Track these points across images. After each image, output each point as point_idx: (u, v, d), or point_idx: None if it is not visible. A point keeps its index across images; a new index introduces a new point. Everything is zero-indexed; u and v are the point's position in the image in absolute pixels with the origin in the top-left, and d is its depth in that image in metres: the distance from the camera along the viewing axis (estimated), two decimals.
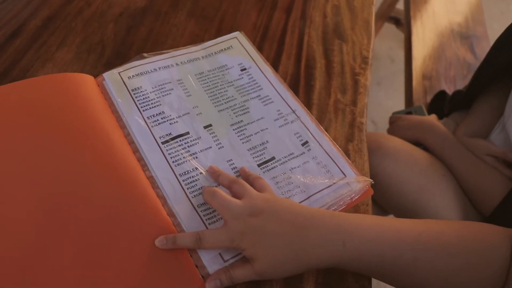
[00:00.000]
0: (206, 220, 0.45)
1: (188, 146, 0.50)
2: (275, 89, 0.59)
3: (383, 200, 0.82)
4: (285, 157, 0.52)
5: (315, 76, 0.65)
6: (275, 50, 0.68)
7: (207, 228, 0.45)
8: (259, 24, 0.72)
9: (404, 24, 1.40)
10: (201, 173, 0.48)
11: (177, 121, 0.52)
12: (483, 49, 1.21)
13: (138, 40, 0.64)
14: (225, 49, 0.63)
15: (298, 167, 0.51)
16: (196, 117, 0.53)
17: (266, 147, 0.52)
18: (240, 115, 0.55)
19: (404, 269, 0.42)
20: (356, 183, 0.51)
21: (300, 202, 0.48)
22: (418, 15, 1.30)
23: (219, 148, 0.51)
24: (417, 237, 0.42)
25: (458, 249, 0.42)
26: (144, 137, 0.50)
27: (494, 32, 1.03)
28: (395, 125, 0.93)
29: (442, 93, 1.01)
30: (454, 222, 0.47)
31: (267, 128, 0.54)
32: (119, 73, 0.55)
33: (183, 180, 0.47)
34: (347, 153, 0.56)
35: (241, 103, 0.57)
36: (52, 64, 0.58)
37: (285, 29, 0.72)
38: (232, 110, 0.56)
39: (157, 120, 0.52)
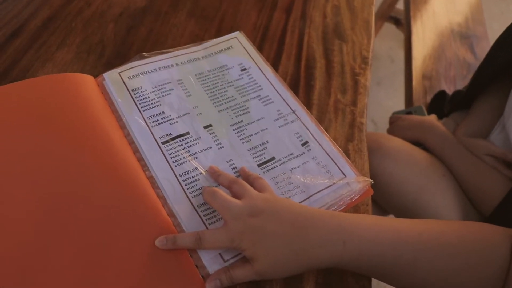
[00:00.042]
0: (206, 220, 0.45)
1: (188, 146, 0.50)
2: (275, 89, 0.59)
3: (383, 200, 0.82)
4: (285, 157, 0.52)
5: (315, 76, 0.65)
6: (275, 50, 0.68)
7: (207, 228, 0.45)
8: (259, 24, 0.72)
9: (404, 24, 1.40)
10: (201, 173, 0.48)
11: (177, 121, 0.52)
12: (483, 49, 1.21)
13: (138, 40, 0.64)
14: (225, 49, 0.63)
15: (298, 167, 0.51)
16: (196, 117, 0.53)
17: (266, 147, 0.53)
18: (240, 115, 0.55)
19: (404, 269, 0.42)
20: (356, 183, 0.51)
21: (300, 202, 0.48)
22: (418, 15, 1.30)
23: (219, 148, 0.51)
24: (417, 237, 0.42)
25: (458, 249, 0.42)
26: (144, 137, 0.50)
27: (494, 32, 1.03)
28: (395, 125, 0.93)
29: (442, 93, 1.01)
30: (454, 222, 0.47)
31: (267, 128, 0.54)
32: (119, 73, 0.55)
33: (183, 180, 0.47)
34: (347, 153, 0.56)
35: (241, 103, 0.57)
36: (52, 64, 0.58)
37: (285, 29, 0.72)
38: (232, 110, 0.56)
39: (157, 120, 0.52)
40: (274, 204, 0.43)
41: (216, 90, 0.57)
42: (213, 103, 0.56)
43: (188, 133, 0.52)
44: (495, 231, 0.45)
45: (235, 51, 0.63)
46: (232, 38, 0.64)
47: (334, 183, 0.50)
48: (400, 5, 1.63)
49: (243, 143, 0.53)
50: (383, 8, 1.77)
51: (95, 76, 0.55)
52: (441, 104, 0.98)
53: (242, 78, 0.60)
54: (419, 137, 0.85)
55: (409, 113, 0.98)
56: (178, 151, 0.50)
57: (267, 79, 0.60)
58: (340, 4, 0.80)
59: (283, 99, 0.58)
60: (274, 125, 0.55)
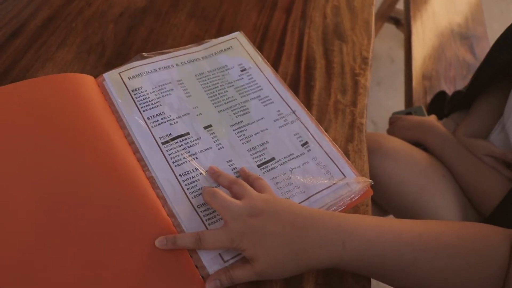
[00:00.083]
0: (206, 220, 0.45)
1: (188, 147, 0.51)
2: (275, 90, 0.59)
3: (383, 200, 0.83)
4: (285, 157, 0.52)
5: (315, 77, 0.65)
6: (275, 50, 0.68)
7: (207, 228, 0.45)
8: (259, 25, 0.72)
9: (404, 24, 1.40)
10: (201, 173, 0.48)
11: (177, 122, 0.52)
12: (483, 49, 1.21)
13: (139, 40, 0.64)
14: (225, 49, 0.63)
15: (298, 167, 0.51)
16: (196, 118, 0.54)
17: (266, 148, 0.53)
18: (240, 115, 0.55)
19: (404, 269, 0.42)
20: (355, 183, 0.51)
21: (300, 203, 0.48)
22: (418, 15, 1.30)
23: (219, 149, 0.51)
24: (417, 238, 0.42)
25: (458, 250, 0.42)
26: (144, 137, 0.50)
27: (494, 32, 1.03)
28: (395, 126, 0.93)
29: (442, 94, 1.01)
30: (454, 222, 0.47)
31: (267, 129, 0.54)
32: (119, 73, 0.55)
33: (183, 181, 0.48)
34: (346, 153, 0.56)
35: (241, 103, 0.57)
36: (52, 64, 0.58)
37: (285, 30, 0.72)
38: (232, 110, 0.56)
39: (157, 120, 0.52)
40: (274, 204, 0.43)
41: (216, 91, 0.57)
42: (213, 104, 0.56)
43: (188, 133, 0.52)
44: (494, 232, 0.45)
45: (235, 51, 0.63)
46: (232, 39, 0.64)
47: (334, 184, 0.50)
48: (400, 5, 1.63)
49: (243, 143, 0.53)
50: (383, 8, 1.77)
51: (95, 76, 0.55)
52: (441, 104, 0.98)
53: (242, 78, 0.60)
54: (419, 137, 0.85)
55: (409, 113, 0.98)
56: (178, 151, 0.50)
57: (267, 79, 0.60)
58: (340, 5, 0.80)
59: (283, 100, 0.58)
60: (274, 126, 0.55)
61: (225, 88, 0.58)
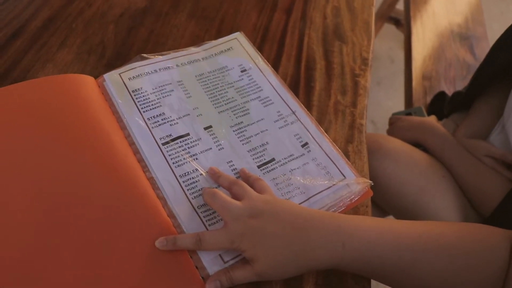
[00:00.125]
0: (206, 221, 0.45)
1: (189, 148, 0.51)
2: (275, 90, 0.59)
3: (383, 201, 0.83)
4: (285, 158, 0.52)
5: (315, 78, 0.65)
6: (275, 51, 0.68)
7: (207, 229, 0.45)
8: (259, 25, 0.72)
9: (404, 24, 1.40)
10: (201, 174, 0.49)
11: (177, 122, 0.52)
12: (483, 49, 1.22)
13: (139, 41, 0.64)
14: (225, 50, 0.63)
15: (298, 168, 0.51)
16: (197, 118, 0.54)
17: (266, 149, 0.53)
18: (240, 116, 0.55)
19: (404, 270, 0.42)
20: (355, 184, 0.51)
21: (299, 204, 0.48)
22: (418, 15, 1.31)
23: (219, 150, 0.51)
24: (417, 239, 0.42)
25: (457, 250, 0.42)
26: (144, 138, 0.50)
27: (494, 32, 1.03)
28: (394, 126, 0.93)
29: (441, 94, 1.01)
30: (454, 223, 0.47)
31: (267, 130, 0.55)
32: (119, 74, 0.55)
33: (183, 181, 0.48)
34: (346, 154, 0.56)
35: (241, 104, 0.57)
36: (52, 65, 0.58)
37: (285, 30, 0.72)
38: (232, 111, 0.56)
39: (158, 121, 0.52)
40: (274, 205, 0.43)
41: (216, 91, 0.57)
42: (213, 104, 0.56)
43: (188, 134, 0.52)
44: (494, 232, 0.45)
45: (235, 52, 0.63)
46: (232, 39, 0.65)
47: (334, 185, 0.50)
48: (400, 6, 1.63)
49: (243, 144, 0.53)
50: (383, 8, 1.77)
51: (96, 77, 0.56)
52: (441, 105, 0.98)
53: (242, 79, 0.60)
54: (419, 138, 0.85)
55: (409, 114, 0.98)
56: (178, 152, 0.50)
57: (267, 80, 0.60)
58: (340, 5, 0.80)
59: (283, 100, 0.58)
60: (274, 126, 0.55)
61: (225, 89, 0.58)
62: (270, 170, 0.51)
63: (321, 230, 0.41)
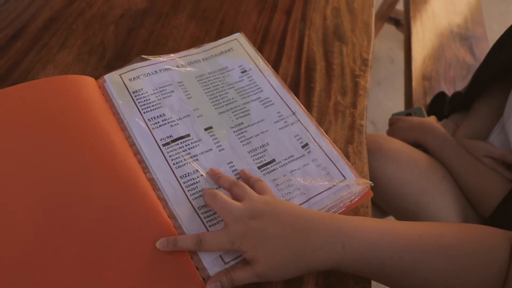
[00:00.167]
0: (206, 222, 0.45)
1: (189, 148, 0.51)
2: (276, 91, 0.59)
3: (383, 202, 0.83)
4: (285, 159, 0.52)
5: (315, 78, 0.66)
6: (275, 52, 0.68)
7: (207, 230, 0.45)
8: (260, 26, 0.72)
9: (403, 24, 1.41)
10: (201, 175, 0.49)
11: (177, 123, 0.53)
12: (483, 50, 1.22)
13: (139, 42, 0.65)
14: (225, 51, 0.63)
15: (298, 169, 0.52)
16: (197, 119, 0.54)
17: (266, 149, 0.53)
18: (240, 117, 0.55)
19: (404, 271, 0.42)
20: (356, 185, 0.51)
21: (300, 204, 0.48)
22: (418, 15, 1.31)
23: (219, 150, 0.52)
24: (417, 240, 0.42)
25: (458, 251, 0.43)
26: (145, 139, 0.50)
27: (494, 33, 1.03)
28: (394, 127, 0.93)
29: (441, 95, 1.01)
30: (454, 224, 0.48)
31: (267, 130, 0.55)
32: (120, 75, 0.55)
33: (184, 182, 0.48)
34: (347, 155, 0.56)
35: (242, 105, 0.57)
36: (53, 65, 0.58)
37: (286, 31, 0.72)
38: (232, 112, 0.56)
39: (158, 122, 0.52)
40: (274, 206, 0.43)
41: (216, 92, 0.57)
42: (213, 105, 0.56)
43: (188, 135, 0.52)
44: (494, 233, 0.45)
45: (236, 53, 0.63)
46: (232, 40, 0.65)
47: (334, 185, 0.50)
48: (400, 6, 1.63)
49: (243, 145, 0.53)
50: (383, 9, 1.77)
51: (96, 78, 0.56)
52: (440, 105, 0.98)
53: (243, 80, 0.60)
54: (419, 138, 0.85)
55: (409, 114, 0.98)
56: (178, 153, 0.50)
57: (268, 81, 0.60)
58: (340, 6, 0.80)
59: (284, 101, 0.58)
60: (275, 127, 0.55)
61: (225, 89, 0.58)
62: (270, 171, 0.51)
63: (321, 231, 0.41)
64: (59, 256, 0.41)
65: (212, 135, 0.53)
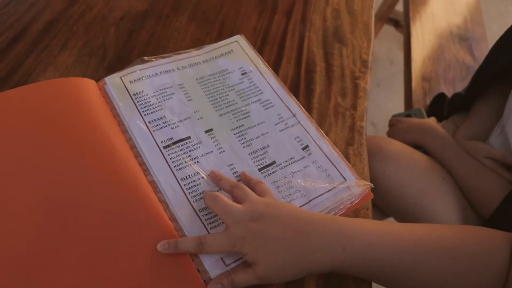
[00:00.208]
0: (207, 224, 0.45)
1: (190, 151, 0.51)
2: (276, 93, 0.59)
3: (383, 203, 0.83)
4: (285, 161, 0.52)
5: (315, 80, 0.66)
6: (275, 53, 0.68)
7: (208, 232, 0.45)
8: (260, 28, 0.72)
9: (403, 25, 1.41)
10: (202, 177, 0.49)
11: (178, 126, 0.53)
12: (482, 51, 1.22)
13: (140, 44, 0.65)
14: (225, 53, 0.63)
15: (298, 171, 0.52)
16: (197, 122, 0.54)
17: (266, 151, 0.53)
18: (241, 119, 0.56)
19: (404, 273, 0.42)
20: (356, 187, 0.51)
21: (300, 206, 0.48)
22: (417, 16, 1.31)
23: (220, 153, 0.52)
24: (417, 242, 0.42)
25: (458, 253, 0.43)
26: (145, 141, 0.50)
27: (493, 33, 1.03)
28: (394, 128, 0.93)
29: (441, 96, 1.01)
30: (454, 226, 0.48)
31: (267, 132, 0.55)
32: (120, 77, 0.55)
33: (185, 185, 0.48)
34: (347, 157, 0.56)
35: (242, 107, 0.57)
36: (54, 68, 0.58)
37: (285, 33, 0.72)
38: (233, 114, 0.56)
39: (159, 124, 0.52)
40: (275, 208, 0.43)
41: (217, 94, 0.58)
42: (214, 107, 0.56)
43: (189, 137, 0.52)
44: (494, 235, 0.45)
45: (236, 55, 0.63)
46: (232, 42, 0.65)
47: (335, 187, 0.50)
48: (399, 7, 1.63)
49: (244, 147, 0.53)
50: (382, 10, 1.77)
51: (97, 80, 0.56)
52: (440, 106, 0.99)
53: (243, 82, 0.60)
54: (419, 140, 0.85)
55: (409, 115, 0.98)
56: (179, 155, 0.50)
57: (268, 83, 0.60)
58: (340, 8, 0.80)
59: (284, 103, 0.58)
60: (275, 129, 0.55)
61: (225, 92, 0.58)
62: (271, 173, 0.51)
63: (321, 233, 0.41)
64: (60, 259, 0.41)
65: (213, 137, 0.53)
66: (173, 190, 0.47)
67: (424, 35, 1.25)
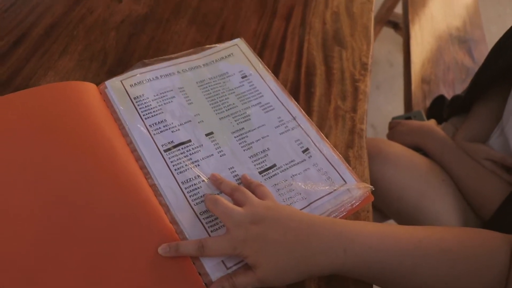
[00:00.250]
0: (208, 227, 0.46)
1: (190, 154, 0.51)
2: (276, 96, 0.59)
3: (383, 205, 0.83)
4: (286, 164, 0.53)
5: (315, 83, 0.66)
6: (275, 57, 0.69)
7: (209, 235, 0.45)
8: (259, 31, 0.72)
9: (402, 28, 1.41)
10: (203, 180, 0.49)
11: (179, 129, 0.53)
12: (481, 53, 1.22)
13: (140, 47, 0.65)
14: (225, 56, 0.63)
15: (299, 174, 0.52)
16: (198, 125, 0.54)
17: (267, 155, 0.53)
18: (241, 122, 0.56)
19: (405, 275, 0.42)
20: (356, 189, 0.51)
21: (301, 209, 0.48)
22: (417, 19, 1.31)
23: (220, 156, 0.52)
24: (418, 244, 0.42)
25: (458, 255, 0.43)
26: (146, 145, 0.50)
27: (492, 35, 1.04)
28: (394, 131, 0.93)
29: (441, 98, 1.01)
30: (454, 228, 0.48)
31: (268, 136, 0.55)
32: (121, 81, 0.55)
33: (186, 188, 0.48)
34: (347, 159, 0.57)
35: (242, 110, 0.57)
36: (54, 72, 0.59)
37: (285, 36, 0.73)
38: (233, 117, 0.56)
39: (159, 128, 0.52)
40: (275, 211, 0.43)
41: (217, 98, 0.58)
42: (214, 111, 0.56)
43: (190, 140, 0.52)
44: (494, 237, 0.45)
45: (236, 58, 0.63)
46: (232, 45, 0.65)
47: (335, 190, 0.51)
48: (398, 9, 1.63)
49: (244, 150, 0.53)
50: (381, 12, 1.78)
51: (98, 84, 0.56)
52: (440, 108, 0.99)
53: (243, 85, 0.60)
54: (419, 142, 0.85)
55: (409, 118, 0.98)
56: (180, 158, 0.50)
57: (268, 86, 0.60)
58: (340, 11, 0.80)
59: (284, 106, 0.58)
60: (275, 132, 0.55)
61: (226, 95, 0.58)
62: (271, 176, 0.51)
63: (322, 236, 0.42)
64: (61, 262, 0.41)
65: (213, 141, 0.53)
66: (174, 193, 0.47)
67: (424, 37, 1.25)
